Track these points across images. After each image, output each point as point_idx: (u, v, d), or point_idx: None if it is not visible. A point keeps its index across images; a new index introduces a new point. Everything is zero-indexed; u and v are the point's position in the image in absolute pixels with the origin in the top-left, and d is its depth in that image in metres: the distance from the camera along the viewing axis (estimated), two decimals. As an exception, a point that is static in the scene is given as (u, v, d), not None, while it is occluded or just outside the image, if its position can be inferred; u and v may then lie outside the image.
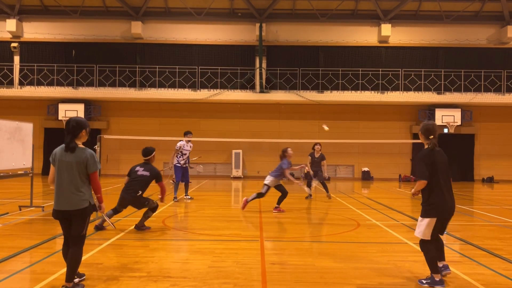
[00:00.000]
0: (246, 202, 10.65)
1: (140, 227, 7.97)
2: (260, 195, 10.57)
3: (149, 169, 8.12)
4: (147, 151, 8.31)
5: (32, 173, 10.48)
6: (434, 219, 4.88)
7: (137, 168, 8.16)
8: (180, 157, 12.45)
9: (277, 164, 10.89)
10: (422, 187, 4.94)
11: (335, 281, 5.10)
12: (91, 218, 4.96)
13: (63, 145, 4.60)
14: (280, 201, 10.71)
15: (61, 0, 23.43)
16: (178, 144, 12.45)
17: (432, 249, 4.95)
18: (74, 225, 4.55)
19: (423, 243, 5.00)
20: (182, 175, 12.48)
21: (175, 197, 12.37)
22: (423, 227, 4.93)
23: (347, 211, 11.05)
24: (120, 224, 8.48)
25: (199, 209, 11.22)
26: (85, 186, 4.54)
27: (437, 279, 4.91)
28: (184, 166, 12.52)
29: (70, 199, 4.46)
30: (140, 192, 7.95)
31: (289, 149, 10.91)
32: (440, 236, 5.16)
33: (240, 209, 10.81)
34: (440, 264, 5.11)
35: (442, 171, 4.97)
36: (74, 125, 4.57)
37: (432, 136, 5.08)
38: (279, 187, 10.76)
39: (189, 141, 12.61)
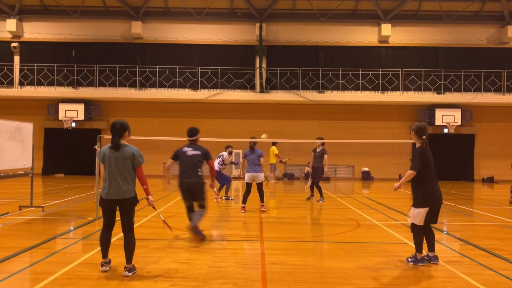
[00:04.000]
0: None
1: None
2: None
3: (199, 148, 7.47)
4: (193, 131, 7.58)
5: (32, 173, 10.48)
6: (427, 209, 5.59)
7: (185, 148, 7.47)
8: (221, 165, 13.20)
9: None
10: (410, 178, 5.64)
11: (335, 281, 5.10)
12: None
13: (108, 145, 5.26)
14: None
15: (61, 0, 23.42)
16: (224, 155, 13.35)
17: (421, 233, 5.69)
18: (123, 215, 5.26)
19: (414, 227, 5.72)
20: (221, 177, 13.04)
21: (227, 196, 13.06)
22: (417, 215, 5.63)
23: (347, 211, 11.05)
24: (120, 224, 8.47)
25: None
26: (131, 178, 5.21)
27: (419, 257, 5.69)
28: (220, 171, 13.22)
29: (119, 190, 5.15)
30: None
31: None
32: (433, 229, 6.00)
33: (240, 209, 10.82)
34: (431, 255, 5.85)
35: (431, 167, 5.66)
36: (119, 127, 5.22)
37: (424, 136, 5.68)
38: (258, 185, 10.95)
39: (230, 154, 13.58)
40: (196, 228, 6.99)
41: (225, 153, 13.44)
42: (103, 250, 5.32)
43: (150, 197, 5.40)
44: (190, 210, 7.34)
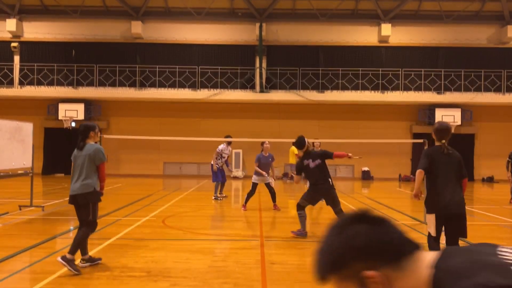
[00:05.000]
0: (244, 207, 10.76)
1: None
2: (249, 194, 10.81)
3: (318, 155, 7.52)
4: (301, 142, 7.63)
5: (32, 173, 10.48)
6: (434, 215, 4.94)
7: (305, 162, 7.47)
8: (219, 159, 12.82)
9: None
10: (420, 177, 5.04)
11: (335, 281, 5.09)
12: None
13: None
14: (273, 200, 10.92)
15: (61, 0, 23.42)
16: (220, 148, 12.84)
17: (434, 247, 4.95)
18: (81, 210, 5.43)
19: (428, 237, 5.10)
20: (218, 174, 12.84)
21: (216, 196, 12.73)
22: (428, 223, 5.09)
23: (347, 211, 11.05)
24: (120, 224, 8.48)
25: (199, 209, 11.22)
26: (92, 175, 5.43)
27: None
28: (221, 167, 12.87)
29: (77, 185, 5.39)
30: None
31: (265, 143, 11.04)
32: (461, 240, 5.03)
33: (240, 209, 10.83)
34: None
35: (443, 171, 4.94)
36: (83, 129, 5.59)
37: (444, 140, 5.03)
38: (266, 185, 10.94)
39: (229, 144, 13.09)
40: None
41: (221, 146, 12.86)
42: (80, 248, 5.50)
43: (102, 191, 5.61)
44: (302, 208, 7.51)
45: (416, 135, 23.04)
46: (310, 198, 7.54)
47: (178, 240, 7.37)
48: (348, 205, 12.24)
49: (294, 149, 18.42)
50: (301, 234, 7.48)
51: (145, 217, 9.42)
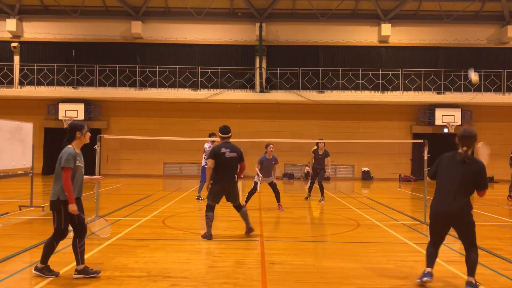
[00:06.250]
0: (244, 206, 10.77)
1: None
2: (250, 192, 10.90)
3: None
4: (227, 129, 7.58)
5: (32, 173, 10.48)
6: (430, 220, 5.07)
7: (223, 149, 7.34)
8: (206, 158, 12.53)
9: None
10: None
11: (335, 281, 5.10)
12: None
13: None
14: (277, 199, 10.99)
15: (61, 0, 23.42)
16: (206, 146, 12.59)
17: (429, 249, 5.08)
18: None
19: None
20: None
21: (198, 196, 12.60)
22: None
23: (347, 211, 11.05)
24: (120, 224, 8.49)
25: (199, 209, 11.22)
26: (58, 182, 4.95)
27: (425, 271, 4.96)
28: None
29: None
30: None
31: (269, 146, 11.08)
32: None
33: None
34: (468, 280, 4.80)
35: (448, 177, 4.93)
36: (69, 128, 5.21)
37: (465, 148, 4.89)
38: (270, 185, 11.01)
39: (213, 142, 12.76)
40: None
41: (207, 145, 12.61)
42: (76, 257, 5.08)
43: (70, 206, 4.85)
44: (211, 209, 7.43)
45: (416, 135, 23.04)
46: (217, 195, 7.40)
47: (178, 240, 7.37)
48: (349, 205, 12.25)
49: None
50: (207, 236, 7.25)
51: (145, 217, 9.42)
